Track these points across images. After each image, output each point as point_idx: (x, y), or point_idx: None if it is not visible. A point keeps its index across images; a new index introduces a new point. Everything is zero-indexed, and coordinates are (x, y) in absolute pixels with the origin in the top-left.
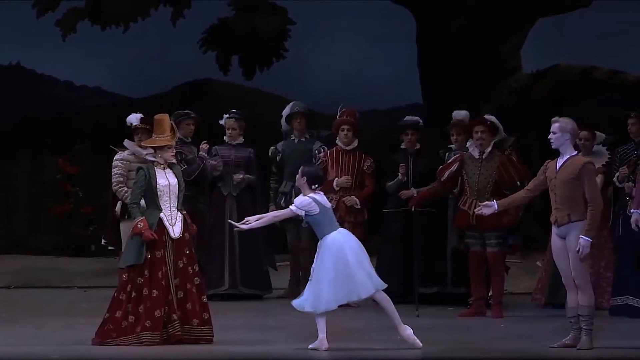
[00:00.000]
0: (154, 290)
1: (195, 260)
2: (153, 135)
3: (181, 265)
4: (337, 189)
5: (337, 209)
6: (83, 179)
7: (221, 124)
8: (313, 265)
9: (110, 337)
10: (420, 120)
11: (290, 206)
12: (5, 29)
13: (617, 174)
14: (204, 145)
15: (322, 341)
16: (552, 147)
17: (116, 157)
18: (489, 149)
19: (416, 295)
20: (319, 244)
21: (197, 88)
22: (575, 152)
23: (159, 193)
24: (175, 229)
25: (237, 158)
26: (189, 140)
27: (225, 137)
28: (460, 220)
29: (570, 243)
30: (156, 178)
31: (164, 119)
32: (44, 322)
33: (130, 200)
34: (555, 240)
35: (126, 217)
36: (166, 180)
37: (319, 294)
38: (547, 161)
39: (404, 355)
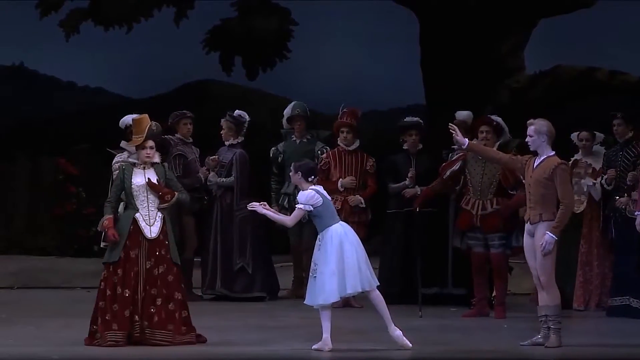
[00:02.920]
0: (126, 290)
1: (166, 261)
2: (132, 136)
3: (148, 266)
4: (341, 189)
5: (341, 210)
6: (85, 180)
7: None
8: (313, 258)
9: (95, 339)
10: (420, 120)
11: (297, 206)
12: (8, 30)
13: (605, 177)
14: (213, 161)
15: (325, 341)
16: (530, 149)
17: (115, 159)
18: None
19: (419, 296)
20: (319, 236)
21: (200, 89)
22: (553, 153)
23: (134, 193)
24: (153, 229)
25: (223, 160)
26: (190, 140)
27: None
28: (463, 221)
29: (537, 241)
30: (131, 177)
31: (142, 118)
32: (45, 322)
33: (107, 199)
34: (526, 238)
35: None
36: (143, 180)
37: (323, 286)
38: (530, 156)
39: (407, 355)
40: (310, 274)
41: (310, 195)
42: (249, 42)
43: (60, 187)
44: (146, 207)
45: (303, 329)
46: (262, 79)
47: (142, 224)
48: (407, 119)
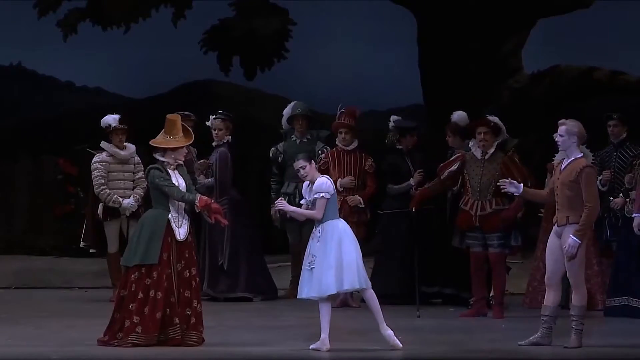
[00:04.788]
0: (159, 293)
1: (194, 264)
2: (165, 135)
3: (179, 268)
4: (340, 189)
5: (340, 209)
6: (84, 180)
7: (208, 126)
8: (310, 250)
9: (116, 338)
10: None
11: (316, 196)
12: (7, 30)
13: (600, 177)
14: (203, 162)
15: (324, 341)
16: (560, 149)
17: (94, 159)
18: (492, 150)
19: (417, 296)
20: (318, 228)
21: (198, 89)
22: (580, 155)
23: None
24: (181, 231)
25: (211, 161)
26: None
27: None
28: (462, 221)
29: (563, 244)
30: (170, 179)
31: (177, 119)
32: (44, 322)
33: (179, 195)
34: (552, 238)
35: (109, 219)
36: (176, 182)
37: (320, 278)
38: (559, 161)
39: (405, 355)
40: (307, 265)
41: (326, 183)
42: (247, 42)
43: (59, 187)
44: (176, 209)
45: (301, 329)
46: (263, 79)
47: (173, 225)
48: (397, 119)
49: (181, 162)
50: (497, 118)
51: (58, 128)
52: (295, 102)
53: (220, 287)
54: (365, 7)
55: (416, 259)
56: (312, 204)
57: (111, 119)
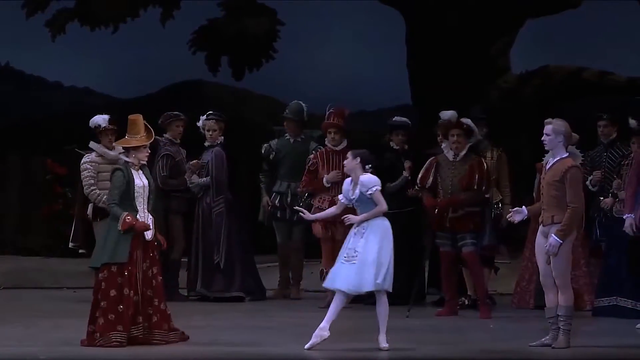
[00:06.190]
0: (131, 291)
1: (156, 263)
2: (127, 135)
3: (144, 267)
4: (327, 185)
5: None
6: (72, 180)
7: (199, 126)
8: (350, 245)
9: (95, 339)
10: (409, 122)
11: (371, 192)
12: None
13: (591, 178)
14: (195, 162)
15: (324, 328)
16: (546, 148)
17: (84, 159)
18: (464, 152)
19: (412, 296)
20: (363, 225)
21: (187, 89)
22: (566, 154)
23: (135, 194)
24: (148, 232)
25: (204, 160)
26: (178, 141)
27: (206, 140)
28: (433, 222)
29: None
30: (134, 179)
31: (138, 119)
32: (33, 322)
33: (109, 201)
34: (539, 239)
35: (98, 219)
36: (141, 182)
37: (362, 274)
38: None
39: (399, 355)
40: (343, 260)
41: (372, 176)
42: (236, 42)
43: (48, 187)
44: (142, 209)
45: (292, 329)
46: (252, 79)
47: None
48: (397, 118)
49: (144, 162)
50: (469, 120)
51: (47, 128)
52: (291, 102)
53: (215, 287)
54: (355, 7)
55: (421, 260)
56: (357, 202)
57: (100, 119)
